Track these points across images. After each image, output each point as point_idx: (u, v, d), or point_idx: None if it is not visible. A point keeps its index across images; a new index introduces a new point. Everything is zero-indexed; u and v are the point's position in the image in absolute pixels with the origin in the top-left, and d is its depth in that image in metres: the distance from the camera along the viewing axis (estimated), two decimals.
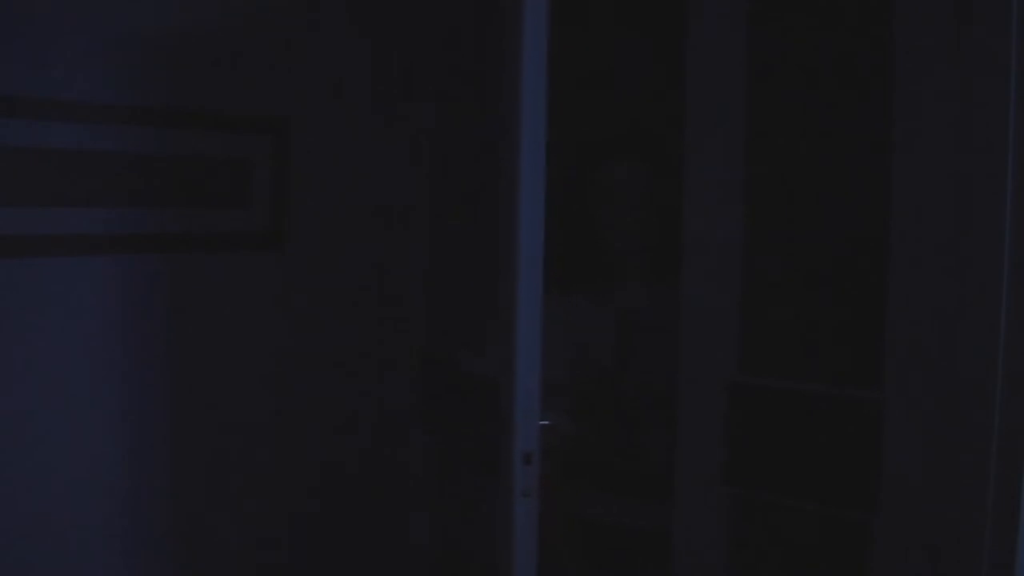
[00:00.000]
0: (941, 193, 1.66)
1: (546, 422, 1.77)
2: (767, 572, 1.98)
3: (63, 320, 2.21)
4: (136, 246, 2.32)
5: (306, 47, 2.55)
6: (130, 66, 2.27)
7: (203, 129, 2.40)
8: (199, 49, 2.38)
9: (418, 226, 2.75)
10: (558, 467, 2.06)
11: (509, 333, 1.61)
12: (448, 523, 2.62)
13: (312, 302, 2.61)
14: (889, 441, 1.74)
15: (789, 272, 1.94)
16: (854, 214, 1.86)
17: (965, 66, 1.62)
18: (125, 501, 2.33)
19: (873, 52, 1.79)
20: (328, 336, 2.64)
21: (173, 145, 2.36)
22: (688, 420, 2.02)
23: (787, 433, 1.90)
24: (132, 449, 2.33)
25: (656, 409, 2.10)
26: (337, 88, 2.61)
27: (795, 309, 1.94)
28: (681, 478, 2.04)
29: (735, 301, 1.97)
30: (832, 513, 1.86)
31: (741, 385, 1.95)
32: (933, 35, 1.66)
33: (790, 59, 1.93)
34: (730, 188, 1.97)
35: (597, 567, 2.24)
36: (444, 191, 2.71)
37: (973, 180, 1.61)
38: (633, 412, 2.16)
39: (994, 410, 1.57)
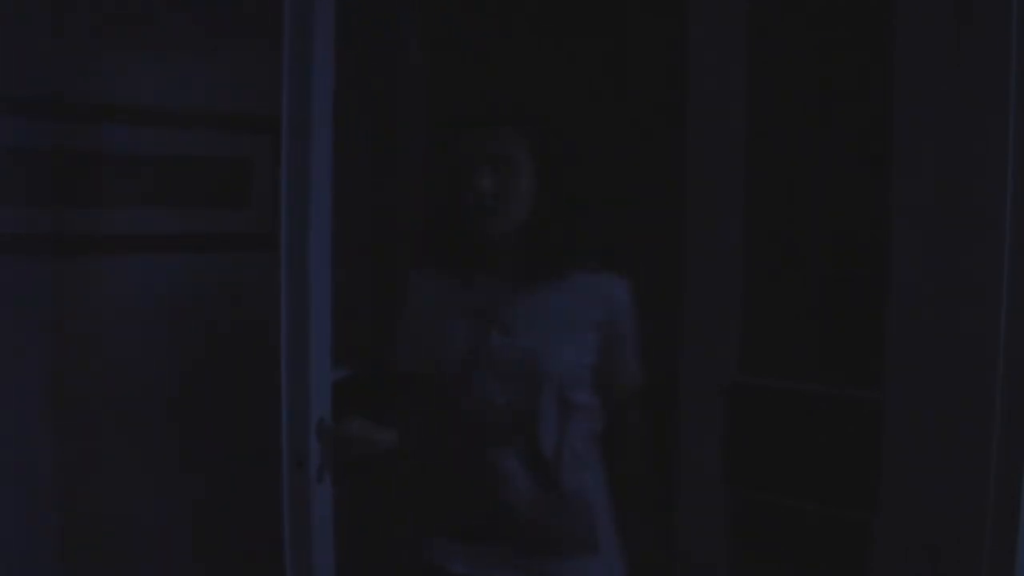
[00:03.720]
0: (941, 193, 1.66)
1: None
2: (768, 571, 1.98)
3: (55, 318, 2.21)
4: (134, 247, 2.31)
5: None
6: (130, 65, 2.27)
7: (203, 129, 2.40)
8: (199, 49, 2.38)
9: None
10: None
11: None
12: None
13: None
14: (889, 441, 1.74)
15: (789, 272, 1.94)
16: (854, 214, 1.86)
17: (965, 66, 1.62)
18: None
19: (873, 52, 1.79)
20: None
21: (173, 145, 2.35)
22: (688, 420, 2.02)
23: (787, 433, 1.90)
24: (131, 447, 2.34)
25: (508, 428, 1.72)
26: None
27: (795, 309, 1.94)
28: (682, 479, 2.04)
29: (735, 301, 1.97)
30: (832, 513, 1.86)
31: (741, 385, 1.96)
32: (933, 35, 1.66)
33: (790, 59, 1.93)
34: (730, 188, 1.97)
35: None
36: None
37: (973, 180, 1.61)
38: (479, 428, 1.77)
39: (994, 410, 1.57)
